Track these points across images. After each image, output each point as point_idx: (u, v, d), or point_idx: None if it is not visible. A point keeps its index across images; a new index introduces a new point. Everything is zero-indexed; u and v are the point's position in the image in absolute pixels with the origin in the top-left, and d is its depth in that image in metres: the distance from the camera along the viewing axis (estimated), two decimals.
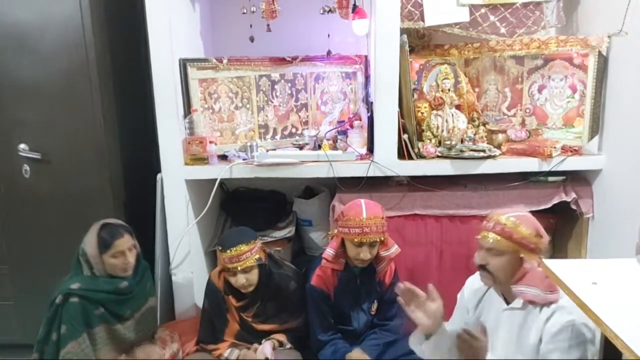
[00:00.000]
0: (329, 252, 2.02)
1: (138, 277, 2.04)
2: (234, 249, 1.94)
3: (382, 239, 1.97)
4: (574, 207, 2.30)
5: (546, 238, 1.55)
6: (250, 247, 1.97)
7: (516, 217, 1.54)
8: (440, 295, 1.54)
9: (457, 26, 2.31)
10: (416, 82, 2.40)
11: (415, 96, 2.37)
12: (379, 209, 1.99)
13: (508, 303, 1.59)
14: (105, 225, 1.95)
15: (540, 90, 2.36)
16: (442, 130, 2.31)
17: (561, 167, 2.22)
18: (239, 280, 1.97)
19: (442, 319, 1.56)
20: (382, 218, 1.97)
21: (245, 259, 1.94)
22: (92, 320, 1.90)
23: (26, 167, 2.37)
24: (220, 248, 1.99)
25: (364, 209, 1.95)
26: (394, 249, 2.03)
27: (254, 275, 2.00)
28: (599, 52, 2.17)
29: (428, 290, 1.54)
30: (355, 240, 1.92)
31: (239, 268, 1.94)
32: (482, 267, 1.57)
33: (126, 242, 1.94)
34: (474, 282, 1.75)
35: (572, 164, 2.23)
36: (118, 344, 1.99)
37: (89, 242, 1.92)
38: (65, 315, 1.87)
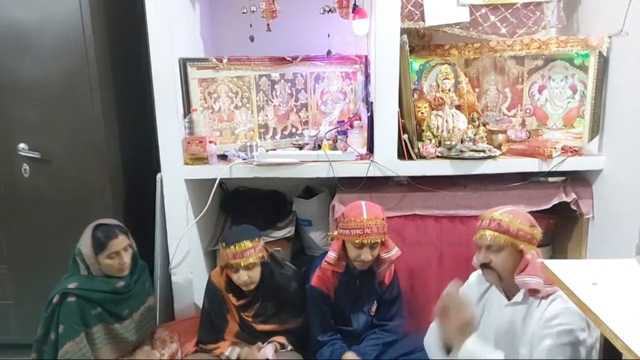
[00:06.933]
0: (331, 255, 2.01)
1: (135, 276, 2.03)
2: (238, 244, 1.93)
3: (383, 240, 1.97)
4: (574, 207, 2.30)
5: (539, 228, 1.61)
6: (254, 245, 1.97)
7: (509, 212, 1.59)
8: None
9: (458, 26, 2.30)
10: (416, 82, 2.40)
11: (415, 96, 2.37)
12: (379, 210, 1.99)
13: (509, 299, 1.59)
14: (99, 225, 1.95)
15: (540, 91, 2.36)
16: (442, 131, 2.30)
17: (561, 168, 2.22)
18: (241, 277, 1.96)
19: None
20: (383, 219, 1.97)
21: (249, 256, 1.94)
22: (89, 319, 1.90)
23: (26, 166, 2.37)
24: (224, 244, 1.98)
25: (365, 210, 1.95)
26: (395, 251, 2.02)
27: (256, 273, 1.99)
28: (600, 52, 2.17)
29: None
30: (356, 241, 1.92)
31: (242, 264, 1.93)
32: (485, 266, 1.59)
33: (121, 243, 1.93)
34: (479, 279, 1.75)
35: (572, 164, 2.23)
36: (118, 343, 1.99)
37: (84, 243, 1.92)
38: (62, 314, 1.86)
